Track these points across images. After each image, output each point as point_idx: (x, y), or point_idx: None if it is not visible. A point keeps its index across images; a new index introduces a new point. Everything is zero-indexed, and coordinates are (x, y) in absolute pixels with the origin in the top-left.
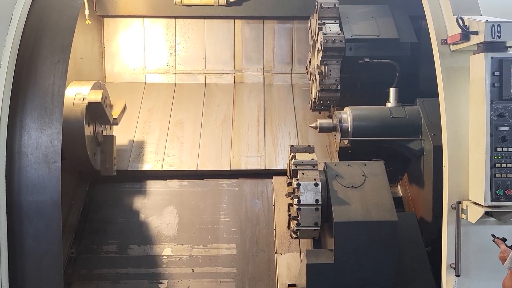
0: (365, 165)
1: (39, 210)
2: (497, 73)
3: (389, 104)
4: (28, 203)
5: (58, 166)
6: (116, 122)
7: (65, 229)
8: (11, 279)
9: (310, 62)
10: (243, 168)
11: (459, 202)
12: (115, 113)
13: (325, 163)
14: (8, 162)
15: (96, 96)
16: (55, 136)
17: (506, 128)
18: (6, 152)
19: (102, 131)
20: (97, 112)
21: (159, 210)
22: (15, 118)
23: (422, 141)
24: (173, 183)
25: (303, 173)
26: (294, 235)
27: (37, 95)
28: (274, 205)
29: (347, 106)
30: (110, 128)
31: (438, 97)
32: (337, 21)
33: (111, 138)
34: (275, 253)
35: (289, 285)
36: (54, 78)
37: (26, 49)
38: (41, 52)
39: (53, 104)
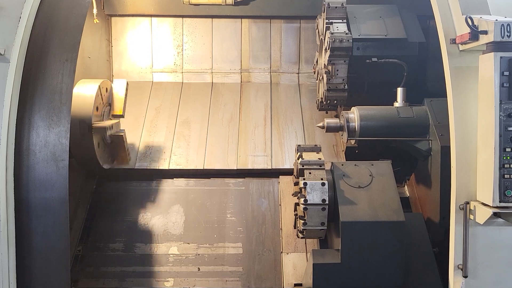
0: (372, 165)
1: (47, 208)
2: (506, 73)
3: (396, 104)
4: (36, 200)
5: (66, 164)
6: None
7: (72, 227)
8: (19, 275)
9: (317, 61)
10: (249, 167)
11: (467, 203)
12: (118, 110)
13: (332, 163)
14: (16, 160)
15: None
16: (63, 134)
17: None
18: (14, 150)
19: (109, 127)
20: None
21: (165, 208)
22: (23, 116)
23: (430, 141)
24: (180, 182)
25: (310, 173)
26: (300, 235)
27: (46, 94)
28: (280, 205)
29: (354, 106)
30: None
31: (446, 97)
32: (345, 21)
33: (120, 137)
34: (281, 252)
35: (295, 284)
36: (62, 76)
37: (35, 47)
38: (50, 50)
39: (61, 102)
